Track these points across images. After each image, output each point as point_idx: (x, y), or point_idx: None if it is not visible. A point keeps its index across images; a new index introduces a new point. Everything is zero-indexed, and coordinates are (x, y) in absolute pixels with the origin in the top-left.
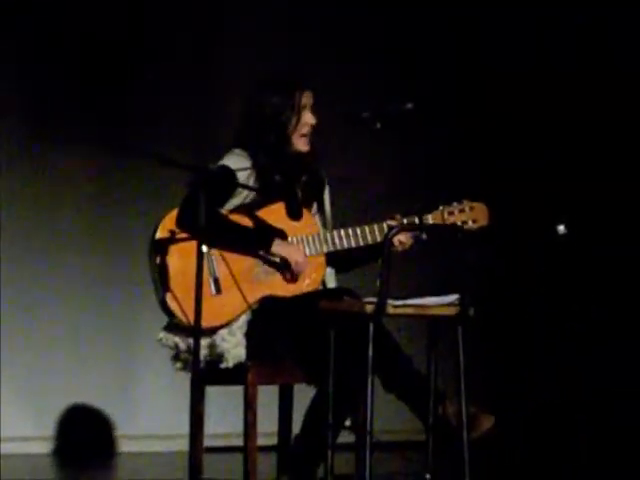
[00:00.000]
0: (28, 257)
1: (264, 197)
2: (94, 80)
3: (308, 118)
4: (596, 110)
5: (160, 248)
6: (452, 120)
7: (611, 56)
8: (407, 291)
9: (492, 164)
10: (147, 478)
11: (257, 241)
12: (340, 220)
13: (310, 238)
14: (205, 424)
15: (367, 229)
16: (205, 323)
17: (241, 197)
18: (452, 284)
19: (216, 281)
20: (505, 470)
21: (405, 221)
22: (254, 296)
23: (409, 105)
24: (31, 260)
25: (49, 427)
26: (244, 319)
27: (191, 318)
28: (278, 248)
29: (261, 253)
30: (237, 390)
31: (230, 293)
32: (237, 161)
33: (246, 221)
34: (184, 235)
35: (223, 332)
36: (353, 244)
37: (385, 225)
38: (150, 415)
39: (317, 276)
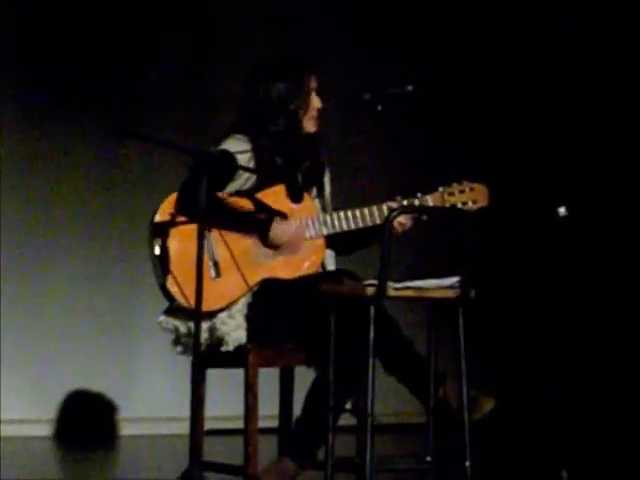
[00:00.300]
0: (27, 242)
1: (265, 180)
2: (93, 65)
3: (316, 102)
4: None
5: (159, 231)
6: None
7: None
8: (407, 273)
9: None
10: (148, 461)
11: (256, 224)
12: (339, 202)
13: (310, 221)
14: (206, 407)
15: (367, 211)
16: (205, 307)
17: (241, 180)
18: (453, 266)
19: (215, 264)
20: (505, 452)
21: (405, 203)
22: (254, 279)
23: (410, 87)
24: (30, 245)
25: (49, 410)
26: (244, 302)
27: (192, 302)
28: (276, 232)
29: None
30: (238, 373)
31: (230, 276)
32: (237, 145)
33: (246, 203)
34: (183, 218)
35: (223, 315)
36: (353, 226)
37: (385, 207)
38: (151, 398)
39: (317, 258)
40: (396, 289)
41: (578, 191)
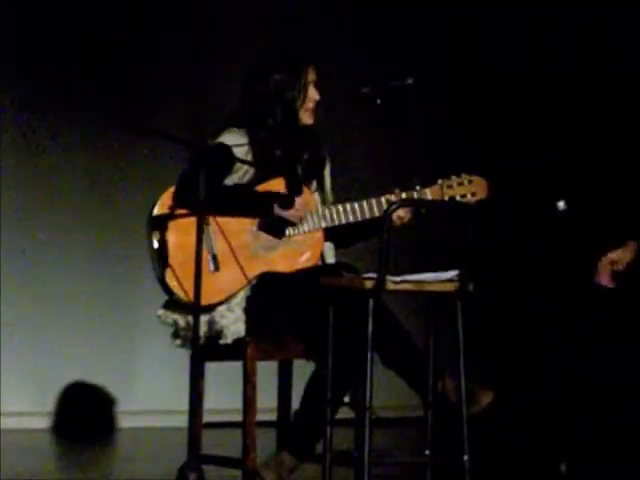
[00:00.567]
0: (27, 233)
1: (263, 173)
2: (93, 63)
3: (313, 93)
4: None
5: (158, 225)
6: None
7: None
8: (406, 267)
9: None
10: (146, 454)
11: (258, 204)
12: (338, 195)
13: (309, 213)
14: (204, 400)
15: (365, 204)
16: (204, 301)
17: (239, 174)
18: (451, 259)
19: (214, 258)
20: (504, 446)
21: (404, 196)
22: (253, 272)
23: (409, 80)
24: (30, 236)
25: (49, 403)
26: (242, 295)
27: (190, 295)
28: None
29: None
30: (236, 366)
31: (228, 270)
32: (234, 138)
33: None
34: (182, 211)
35: (222, 309)
36: (351, 219)
37: (384, 200)
38: (150, 391)
39: (315, 251)
40: (395, 282)
41: (577, 191)
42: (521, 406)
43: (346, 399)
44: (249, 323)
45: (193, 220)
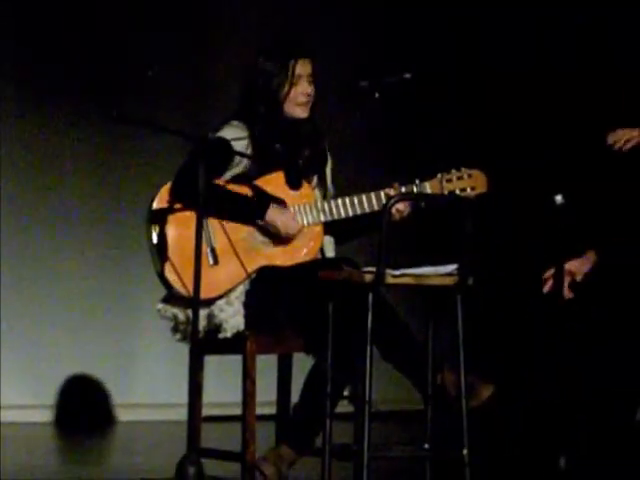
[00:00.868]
0: (27, 229)
1: (262, 166)
2: (92, 50)
3: (303, 87)
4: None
5: (157, 219)
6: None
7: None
8: (406, 260)
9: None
10: (145, 447)
11: (252, 209)
12: (337, 190)
13: (308, 207)
14: (204, 393)
15: (365, 198)
16: (203, 294)
17: (240, 167)
18: (451, 253)
19: (213, 252)
20: (503, 440)
21: (403, 190)
22: (252, 266)
23: (407, 74)
24: (30, 233)
25: (48, 396)
26: (241, 289)
27: (190, 289)
28: (272, 215)
29: (258, 222)
30: (236, 359)
31: (227, 263)
32: (233, 132)
33: (244, 190)
34: (180, 205)
35: (221, 302)
36: (350, 213)
37: (383, 194)
38: (149, 384)
39: (315, 246)
40: (394, 276)
41: (577, 191)
42: (520, 402)
43: (345, 393)
44: (248, 317)
45: (192, 214)
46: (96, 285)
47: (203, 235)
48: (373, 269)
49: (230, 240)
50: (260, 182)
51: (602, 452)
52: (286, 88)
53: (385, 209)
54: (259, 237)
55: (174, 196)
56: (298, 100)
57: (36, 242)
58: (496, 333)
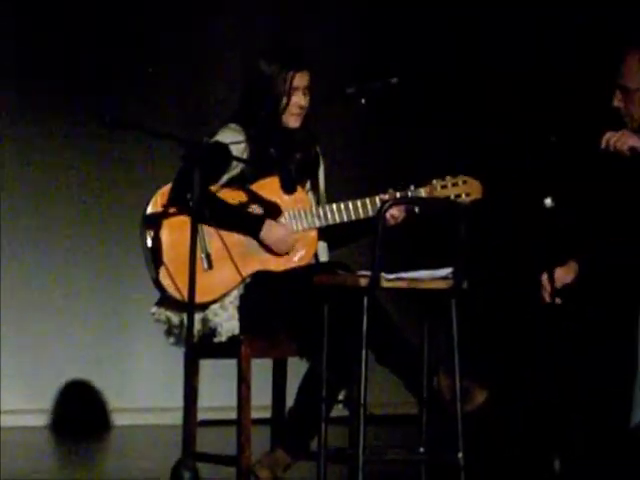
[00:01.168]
0: (25, 233)
1: (258, 170)
2: (90, 53)
3: (298, 99)
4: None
5: (151, 223)
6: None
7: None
8: (400, 265)
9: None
10: (141, 451)
11: (246, 227)
12: (332, 195)
13: (303, 212)
14: (199, 397)
15: (359, 203)
16: (197, 299)
17: (236, 170)
18: (446, 257)
19: (208, 256)
20: (498, 443)
21: (398, 195)
22: (247, 270)
23: (394, 80)
24: (27, 236)
25: (45, 401)
26: (236, 294)
27: (184, 294)
28: (265, 235)
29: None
30: (231, 363)
31: (222, 268)
32: (231, 136)
33: (240, 195)
34: (175, 210)
35: (215, 307)
36: (345, 218)
37: (377, 199)
38: (144, 389)
39: (309, 250)
40: (389, 280)
41: (576, 191)
42: (516, 404)
43: (340, 397)
44: (243, 321)
45: (187, 218)
46: (91, 290)
47: (198, 239)
48: (368, 273)
49: (225, 244)
50: (255, 187)
51: (597, 453)
52: (284, 99)
53: (380, 213)
54: (254, 242)
55: (172, 202)
56: (292, 111)
57: (33, 248)
58: (493, 335)
